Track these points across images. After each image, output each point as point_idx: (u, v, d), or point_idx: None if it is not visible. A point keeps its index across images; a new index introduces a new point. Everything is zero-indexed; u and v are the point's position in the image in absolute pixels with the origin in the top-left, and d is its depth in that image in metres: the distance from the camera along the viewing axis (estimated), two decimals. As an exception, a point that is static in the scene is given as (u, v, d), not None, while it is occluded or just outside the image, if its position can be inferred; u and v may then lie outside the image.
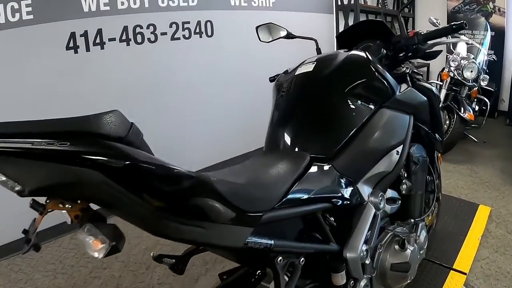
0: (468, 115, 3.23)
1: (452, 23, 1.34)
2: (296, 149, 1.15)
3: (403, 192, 1.37)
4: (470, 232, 2.19)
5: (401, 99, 1.32)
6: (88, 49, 2.40)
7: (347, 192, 1.09)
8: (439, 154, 1.72)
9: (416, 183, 1.40)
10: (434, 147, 1.63)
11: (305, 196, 0.95)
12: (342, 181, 1.10)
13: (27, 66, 2.18)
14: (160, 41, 2.74)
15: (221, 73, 3.17)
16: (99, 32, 2.42)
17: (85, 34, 2.37)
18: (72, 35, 2.32)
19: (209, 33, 3.04)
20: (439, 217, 2.00)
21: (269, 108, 1.38)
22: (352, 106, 1.20)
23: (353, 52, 1.34)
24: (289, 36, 1.69)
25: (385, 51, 1.45)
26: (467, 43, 3.43)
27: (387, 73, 1.30)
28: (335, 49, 1.69)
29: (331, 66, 1.26)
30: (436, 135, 1.60)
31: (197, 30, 2.95)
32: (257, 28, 1.70)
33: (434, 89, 1.56)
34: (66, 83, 2.32)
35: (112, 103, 2.52)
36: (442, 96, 3.35)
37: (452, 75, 3.39)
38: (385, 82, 1.27)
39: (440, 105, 1.81)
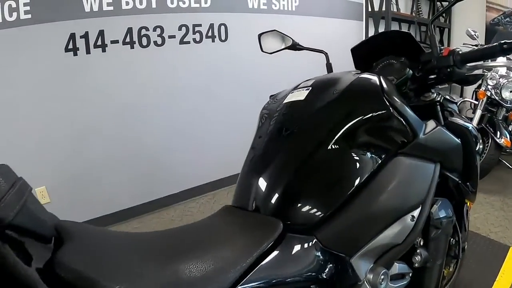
0: (504, 141, 2.89)
1: (503, 41, 0.97)
2: (267, 211, 0.85)
3: (416, 265, 1.00)
4: (497, 282, 1.90)
5: (426, 143, 0.96)
6: (88, 51, 2.26)
7: (334, 271, 0.79)
8: (469, 204, 1.32)
9: (436, 252, 1.03)
10: (464, 200, 1.24)
11: (270, 281, 0.68)
12: (328, 257, 0.80)
13: (22, 67, 2.06)
14: (168, 45, 2.57)
15: (235, 82, 2.98)
16: (101, 33, 2.28)
17: (85, 36, 2.23)
18: (72, 36, 2.19)
19: (223, 38, 2.85)
20: (462, 267, 1.72)
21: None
22: (353, 155, 0.86)
23: (363, 75, 1.00)
24: (296, 47, 1.45)
25: (411, 72, 1.13)
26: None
27: (407, 108, 0.95)
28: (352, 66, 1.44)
29: (329, 94, 0.94)
30: (469, 184, 1.23)
31: (209, 34, 2.77)
32: (259, 36, 1.47)
33: (471, 126, 1.19)
34: (62, 86, 2.19)
35: (110, 113, 2.47)
36: (476, 118, 3.03)
37: (489, 94, 3.05)
38: (403, 120, 0.91)
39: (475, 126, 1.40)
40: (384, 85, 0.93)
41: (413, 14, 4.49)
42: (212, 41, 2.79)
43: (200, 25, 2.70)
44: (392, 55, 1.21)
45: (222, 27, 2.82)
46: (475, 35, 3.08)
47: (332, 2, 3.63)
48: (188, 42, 2.66)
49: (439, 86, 1.20)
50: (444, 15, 4.74)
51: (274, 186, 0.87)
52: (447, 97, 1.24)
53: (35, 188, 2.14)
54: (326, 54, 1.43)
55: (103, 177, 2.48)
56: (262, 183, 0.88)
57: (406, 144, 0.92)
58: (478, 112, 3.05)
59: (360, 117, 0.89)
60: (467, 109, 3.99)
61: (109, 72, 2.37)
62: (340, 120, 0.90)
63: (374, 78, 0.96)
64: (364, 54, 1.27)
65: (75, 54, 2.22)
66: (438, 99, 1.14)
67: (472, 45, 3.41)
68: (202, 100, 2.84)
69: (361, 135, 0.88)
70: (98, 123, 2.40)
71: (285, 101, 1.01)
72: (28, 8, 2.02)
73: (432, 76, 1.08)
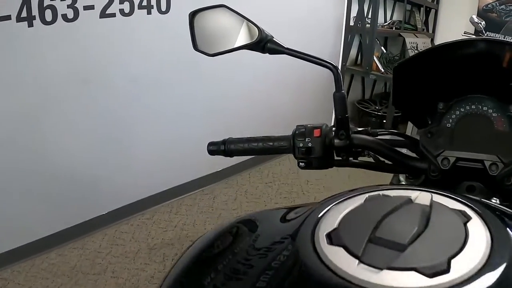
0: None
1: None
2: None
3: None
4: None
5: None
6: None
7: None
8: None
9: None
10: None
11: None
12: None
13: None
14: (83, 19, 1.84)
15: (179, 70, 2.29)
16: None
17: None
18: None
19: (163, 8, 2.13)
20: None
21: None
22: None
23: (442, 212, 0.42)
24: (269, 48, 0.69)
25: None
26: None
27: None
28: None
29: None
30: None
31: (144, 3, 2.04)
32: (191, 18, 0.73)
33: None
34: None
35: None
36: None
37: None
38: None
39: None
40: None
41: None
42: (148, 13, 2.08)
43: (130, -8, 1.98)
44: (476, 92, 0.68)
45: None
46: (480, 24, 2.57)
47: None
48: (113, 15, 1.94)
49: None
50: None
51: None
52: None
53: None
54: (333, 68, 0.67)
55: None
56: None
57: None
58: None
59: None
60: None
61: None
62: None
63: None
64: (416, 82, 0.70)
65: None
66: None
67: (473, 35, 2.92)
68: (134, 95, 2.16)
69: None
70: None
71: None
72: None
73: None
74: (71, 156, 2.00)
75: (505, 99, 0.66)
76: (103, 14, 1.90)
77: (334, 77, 0.66)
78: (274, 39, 0.68)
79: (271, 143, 0.71)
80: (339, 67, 3.97)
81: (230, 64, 2.50)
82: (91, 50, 1.92)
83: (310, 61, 0.67)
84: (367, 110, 3.84)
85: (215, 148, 0.74)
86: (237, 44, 0.70)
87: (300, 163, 0.69)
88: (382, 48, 3.71)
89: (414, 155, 0.74)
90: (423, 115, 0.74)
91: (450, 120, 0.68)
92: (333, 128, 0.69)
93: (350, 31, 3.47)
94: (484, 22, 2.67)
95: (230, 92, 2.66)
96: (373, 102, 4.01)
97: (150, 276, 1.93)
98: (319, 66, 0.67)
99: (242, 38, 0.71)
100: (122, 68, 2.06)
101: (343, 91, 0.67)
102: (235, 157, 0.76)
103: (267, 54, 0.69)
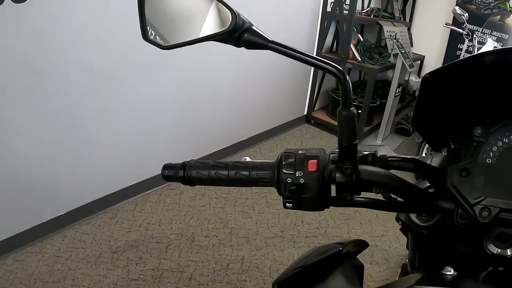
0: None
1: None
2: None
3: None
4: None
5: None
6: None
7: None
8: None
9: None
10: None
11: None
12: None
13: None
14: None
15: (139, 61, 2.11)
16: None
17: None
18: None
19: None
20: None
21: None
22: None
23: None
24: (251, 40, 0.49)
25: None
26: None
27: None
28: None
29: None
30: None
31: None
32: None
33: None
34: None
35: None
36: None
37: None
38: None
39: None
40: None
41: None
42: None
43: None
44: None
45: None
46: (463, 16, 2.49)
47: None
48: None
49: None
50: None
51: None
52: None
53: None
54: (339, 74, 0.48)
55: None
56: None
57: None
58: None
59: None
60: None
61: None
62: None
63: None
64: (450, 97, 0.54)
65: None
66: None
67: (456, 28, 2.86)
68: (90, 87, 1.97)
69: None
70: None
71: None
72: None
73: None
74: (24, 154, 1.82)
75: None
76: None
77: (340, 87, 0.47)
78: (253, 27, 0.49)
79: (246, 173, 0.55)
80: (314, 54, 3.95)
81: (199, 57, 2.35)
82: (43, 34, 1.72)
83: (307, 62, 0.48)
84: (341, 99, 3.78)
85: (172, 174, 0.57)
86: (202, 34, 0.50)
87: (287, 203, 0.52)
88: (359, 35, 3.61)
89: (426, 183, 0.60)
90: (445, 135, 0.57)
91: (491, 154, 0.52)
92: (331, 154, 0.53)
93: (326, 17, 3.34)
94: (467, 14, 2.60)
95: (200, 92, 2.50)
96: (348, 91, 3.95)
97: (113, 283, 1.82)
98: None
99: (210, 25, 0.51)
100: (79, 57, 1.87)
101: (352, 108, 0.48)
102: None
103: (243, 48, 0.49)
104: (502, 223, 0.49)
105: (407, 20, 4.26)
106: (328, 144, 3.44)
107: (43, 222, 2.01)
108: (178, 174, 0.57)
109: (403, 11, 4.16)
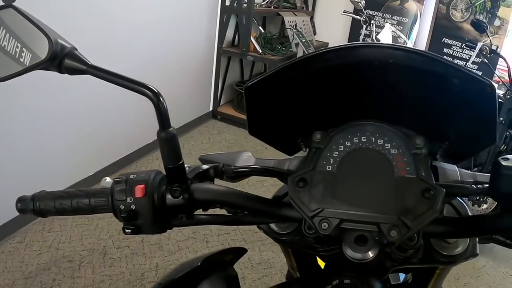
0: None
1: None
2: None
3: None
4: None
5: None
6: None
7: None
8: None
9: None
10: None
11: None
12: None
13: None
14: None
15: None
16: None
17: None
18: None
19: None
20: None
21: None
22: None
23: None
24: (72, 66, 0.47)
25: None
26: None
27: None
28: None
29: None
30: None
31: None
32: None
33: None
34: None
35: None
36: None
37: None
38: None
39: None
40: None
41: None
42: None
43: None
44: (366, 117, 0.51)
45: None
46: (360, 3, 2.62)
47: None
48: None
49: None
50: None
51: None
52: None
53: None
54: (153, 97, 0.50)
55: None
56: None
57: None
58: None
59: None
60: None
61: None
62: None
63: None
64: (280, 104, 0.52)
65: None
66: None
67: (353, 15, 3.00)
68: None
69: None
70: None
71: None
72: None
73: None
74: None
75: (410, 126, 0.48)
76: None
77: (155, 109, 0.47)
78: (75, 52, 0.46)
79: (86, 201, 0.52)
80: (215, 50, 3.85)
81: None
82: None
83: (124, 86, 0.47)
84: (246, 91, 3.86)
85: (24, 207, 0.54)
86: (24, 65, 0.47)
87: (125, 229, 0.51)
88: (260, 28, 3.69)
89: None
90: (296, 139, 0.54)
91: (331, 160, 0.49)
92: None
93: (226, 11, 3.36)
94: (364, 1, 2.74)
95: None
96: (253, 83, 4.04)
97: (25, 312, 1.72)
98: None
99: (32, 54, 0.47)
100: None
101: (171, 129, 0.47)
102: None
103: (67, 74, 0.47)
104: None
105: (310, 9, 4.42)
106: (236, 137, 3.48)
107: None
108: (28, 207, 0.54)
109: (305, 1, 4.30)
